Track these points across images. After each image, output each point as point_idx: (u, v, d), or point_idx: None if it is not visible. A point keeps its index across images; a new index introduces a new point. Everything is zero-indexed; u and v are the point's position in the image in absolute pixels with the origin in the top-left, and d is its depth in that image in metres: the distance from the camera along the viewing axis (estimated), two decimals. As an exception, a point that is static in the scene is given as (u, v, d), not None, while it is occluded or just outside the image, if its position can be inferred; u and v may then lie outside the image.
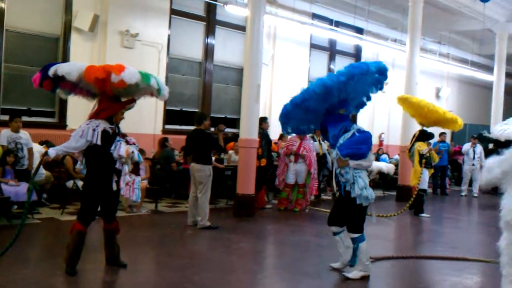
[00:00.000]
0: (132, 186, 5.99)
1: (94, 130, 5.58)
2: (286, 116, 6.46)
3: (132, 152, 5.93)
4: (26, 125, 9.08)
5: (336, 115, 6.33)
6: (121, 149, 5.74)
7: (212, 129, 9.70)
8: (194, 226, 8.62)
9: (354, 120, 18.14)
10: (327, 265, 6.59)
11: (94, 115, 5.75)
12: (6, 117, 9.81)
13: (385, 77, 6.34)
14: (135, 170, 6.04)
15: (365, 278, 6.16)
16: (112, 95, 5.79)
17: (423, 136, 11.00)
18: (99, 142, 5.57)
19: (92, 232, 6.53)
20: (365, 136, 6.19)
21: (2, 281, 5.32)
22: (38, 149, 9.12)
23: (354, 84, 6.06)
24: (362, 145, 6.09)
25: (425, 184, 11.33)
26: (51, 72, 5.47)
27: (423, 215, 11.21)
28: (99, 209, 5.97)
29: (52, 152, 5.60)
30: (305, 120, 6.61)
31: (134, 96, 6.02)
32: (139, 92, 5.99)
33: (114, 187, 5.82)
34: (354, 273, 6.17)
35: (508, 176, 4.20)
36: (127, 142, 5.96)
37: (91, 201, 5.78)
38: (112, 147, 5.70)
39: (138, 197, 6.20)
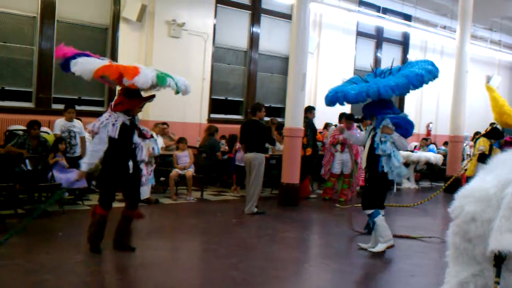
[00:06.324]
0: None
1: (113, 125, 5.78)
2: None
3: (153, 148, 6.10)
4: (77, 114, 9.32)
5: (388, 102, 6.64)
6: (143, 154, 6.07)
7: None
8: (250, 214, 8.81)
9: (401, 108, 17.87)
10: (372, 255, 6.57)
11: (113, 107, 5.90)
12: (58, 106, 10.14)
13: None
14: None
15: (390, 248, 6.62)
16: (131, 90, 5.80)
17: (493, 134, 10.23)
18: (116, 136, 5.77)
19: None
20: (411, 123, 6.65)
21: (55, 264, 5.51)
22: (88, 137, 9.43)
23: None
24: (410, 126, 6.56)
25: None
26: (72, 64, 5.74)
27: None
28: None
29: (84, 166, 5.86)
30: None
31: (153, 92, 6.06)
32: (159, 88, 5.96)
33: (131, 169, 5.96)
34: (378, 247, 6.59)
35: None
36: (145, 137, 6.13)
37: (108, 186, 6.02)
38: (136, 152, 5.99)
39: (152, 181, 6.63)
